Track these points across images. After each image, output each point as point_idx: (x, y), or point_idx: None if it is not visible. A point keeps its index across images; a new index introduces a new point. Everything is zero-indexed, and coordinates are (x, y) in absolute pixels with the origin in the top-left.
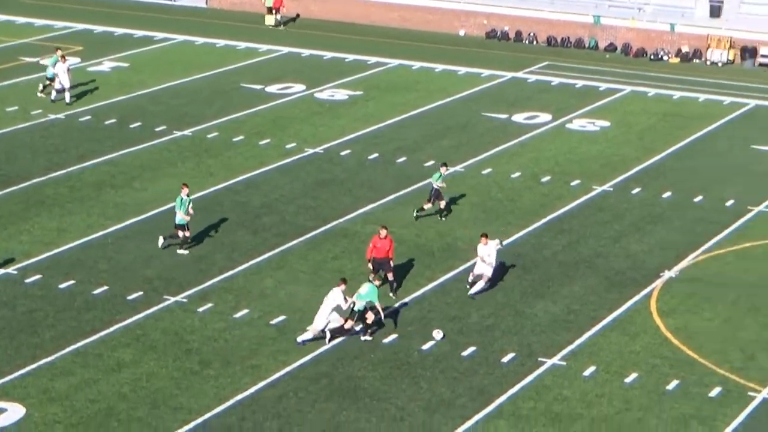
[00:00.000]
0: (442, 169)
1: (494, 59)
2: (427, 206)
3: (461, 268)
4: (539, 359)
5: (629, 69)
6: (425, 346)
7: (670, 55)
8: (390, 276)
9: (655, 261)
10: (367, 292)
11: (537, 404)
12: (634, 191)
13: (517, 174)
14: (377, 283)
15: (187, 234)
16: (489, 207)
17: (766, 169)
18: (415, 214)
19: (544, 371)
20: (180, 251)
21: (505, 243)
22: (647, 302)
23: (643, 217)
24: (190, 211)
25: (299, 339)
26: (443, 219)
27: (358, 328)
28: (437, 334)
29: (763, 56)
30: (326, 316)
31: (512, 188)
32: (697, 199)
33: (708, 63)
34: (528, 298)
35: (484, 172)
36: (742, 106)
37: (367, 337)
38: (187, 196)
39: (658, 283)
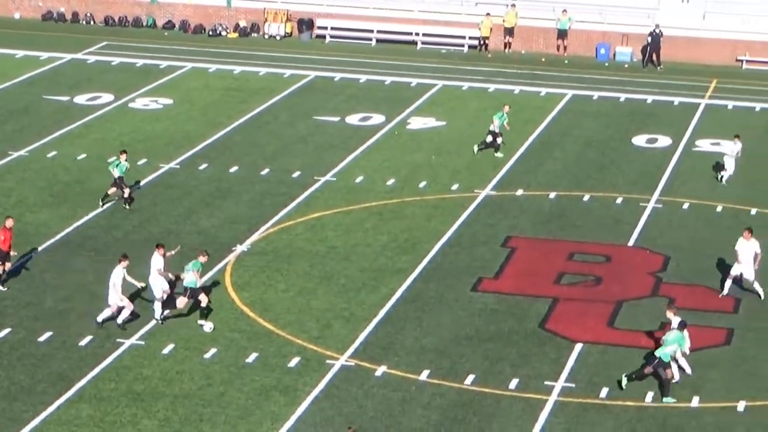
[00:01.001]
0: (123, 157)
1: (52, 41)
2: (112, 191)
3: (33, 253)
4: (117, 340)
5: (189, 45)
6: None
7: (228, 30)
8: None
9: (226, 236)
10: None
11: (118, 385)
12: (202, 167)
13: (83, 156)
14: (202, 259)
15: None
16: (56, 190)
17: (329, 140)
18: (101, 203)
19: (123, 352)
20: None
21: (75, 225)
22: (221, 277)
23: (211, 192)
24: None
25: (98, 318)
26: (127, 207)
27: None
28: (207, 327)
29: (319, 28)
30: (118, 294)
31: (79, 170)
32: (263, 172)
33: (266, 36)
34: (102, 280)
35: (50, 155)
36: (302, 78)
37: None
38: None
39: (231, 257)
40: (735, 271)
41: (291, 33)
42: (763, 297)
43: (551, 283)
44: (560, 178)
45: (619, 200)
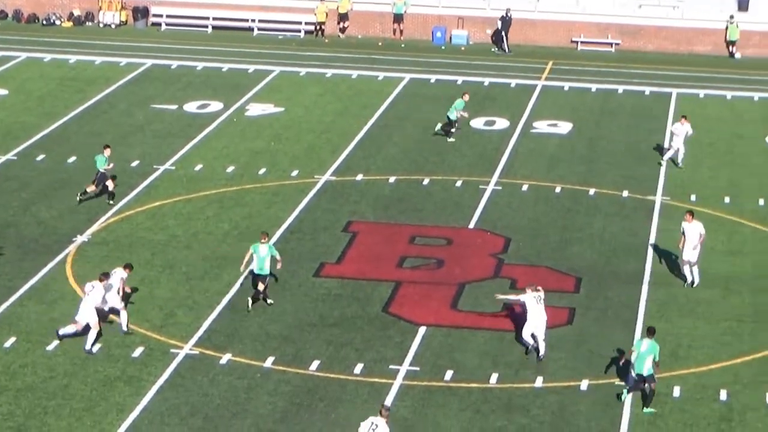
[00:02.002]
0: (106, 152)
1: None
2: (91, 189)
3: None
4: None
5: (22, 35)
6: None
7: (62, 19)
8: None
9: (66, 226)
10: (266, 254)
11: None
12: (39, 158)
13: None
14: (264, 240)
15: None
16: None
17: (168, 128)
18: (78, 198)
19: None
20: None
21: None
22: (62, 268)
23: (50, 183)
24: None
25: (86, 346)
26: (110, 202)
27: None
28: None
29: (155, 15)
30: (88, 314)
31: None
32: None
33: (101, 25)
34: None
35: None
36: (139, 66)
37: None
38: None
39: (71, 248)
40: (686, 255)
41: (126, 21)
42: (697, 283)
43: (394, 267)
44: (399, 162)
45: (458, 183)
